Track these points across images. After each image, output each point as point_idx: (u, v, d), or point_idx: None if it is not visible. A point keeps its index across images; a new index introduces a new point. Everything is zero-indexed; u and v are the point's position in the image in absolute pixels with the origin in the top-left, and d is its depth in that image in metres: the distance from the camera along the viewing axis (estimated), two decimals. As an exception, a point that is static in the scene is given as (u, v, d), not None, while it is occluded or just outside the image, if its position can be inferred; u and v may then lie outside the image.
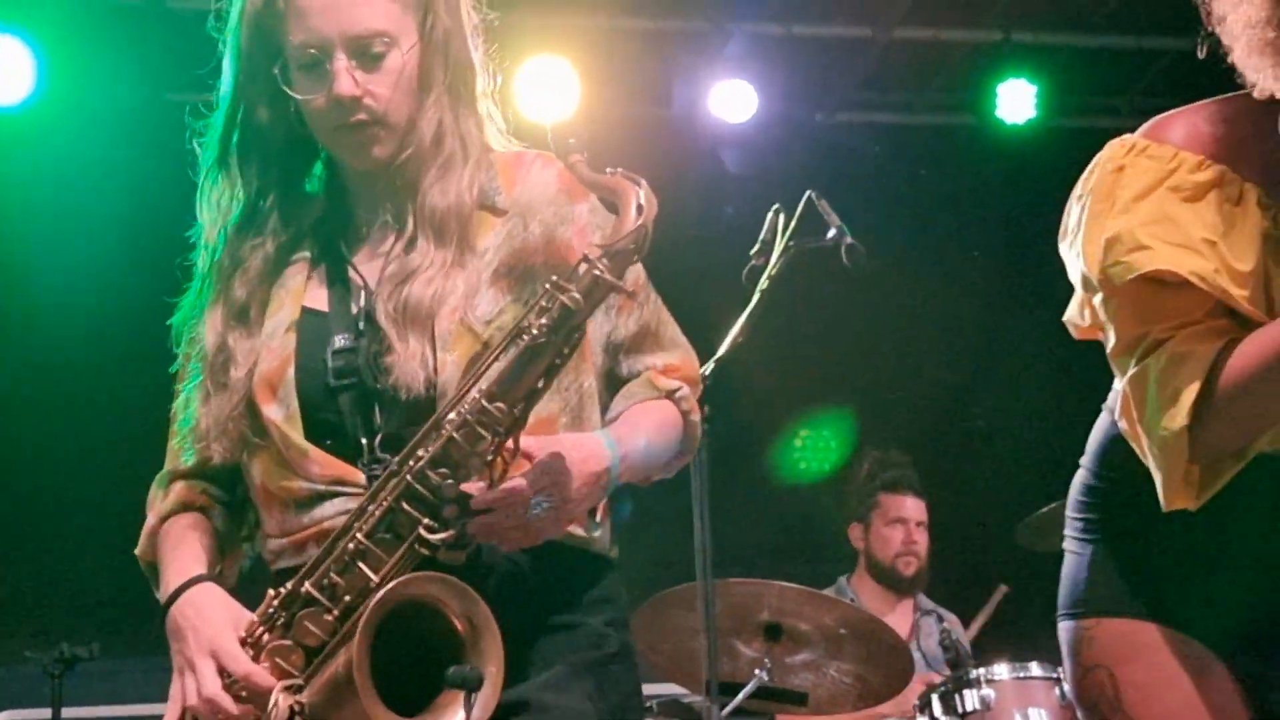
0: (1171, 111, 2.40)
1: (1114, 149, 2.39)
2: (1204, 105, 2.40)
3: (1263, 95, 2.33)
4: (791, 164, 7.58)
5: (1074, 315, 2.49)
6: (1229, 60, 2.38)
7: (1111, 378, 2.45)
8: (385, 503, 2.38)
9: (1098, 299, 2.38)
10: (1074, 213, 2.41)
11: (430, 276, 2.51)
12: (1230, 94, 2.39)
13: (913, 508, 6.32)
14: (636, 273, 2.63)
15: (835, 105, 8.23)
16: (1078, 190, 2.44)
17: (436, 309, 2.50)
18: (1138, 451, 2.36)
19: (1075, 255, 2.39)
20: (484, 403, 2.34)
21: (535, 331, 2.34)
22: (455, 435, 2.34)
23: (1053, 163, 8.07)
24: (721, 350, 4.69)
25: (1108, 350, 2.40)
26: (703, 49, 7.60)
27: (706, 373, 4.70)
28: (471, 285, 2.52)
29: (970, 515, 7.59)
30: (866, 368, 8.09)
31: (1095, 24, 7.90)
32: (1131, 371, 2.33)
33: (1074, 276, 2.45)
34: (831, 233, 4.84)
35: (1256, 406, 2.22)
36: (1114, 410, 2.43)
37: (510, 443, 2.35)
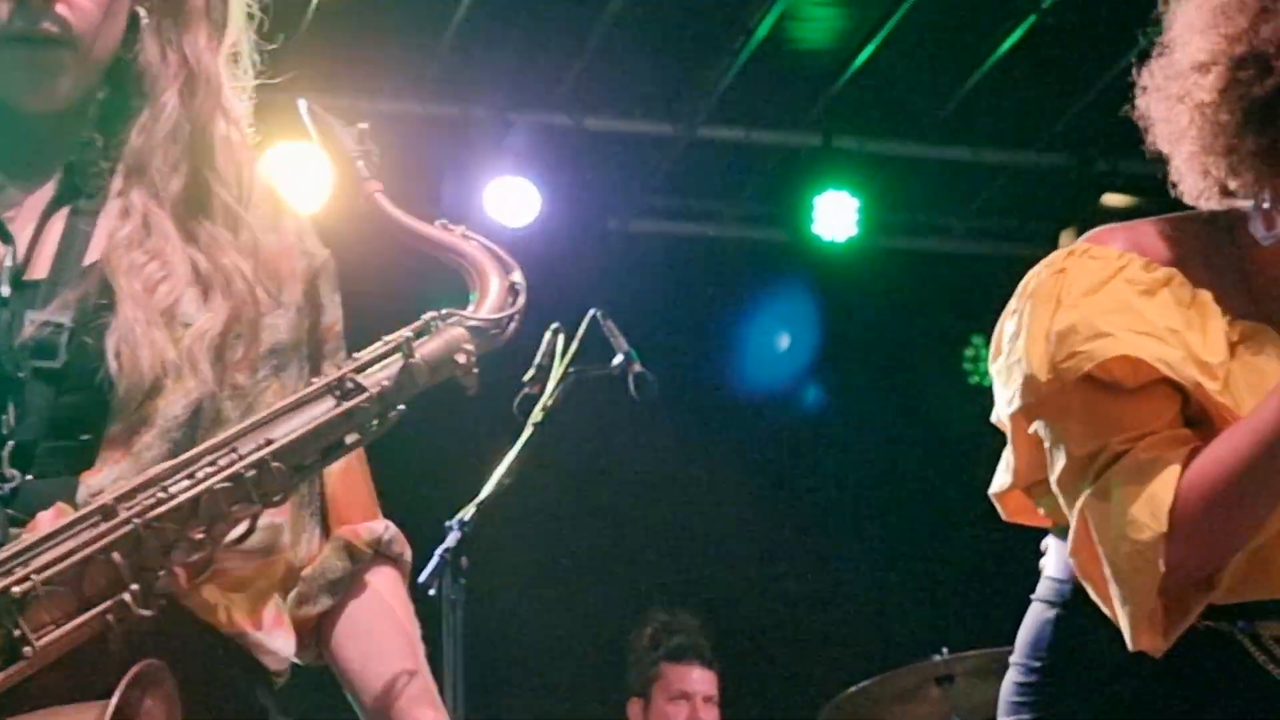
0: (1108, 225, 2.46)
1: (1051, 258, 2.43)
2: (1143, 221, 2.47)
3: (1209, 203, 2.41)
4: (576, 277, 7.52)
5: (1001, 483, 2.52)
6: (1171, 177, 2.43)
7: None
8: (82, 547, 2.08)
9: (1038, 424, 2.40)
10: (1009, 324, 2.44)
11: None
12: (1173, 215, 2.47)
13: (700, 680, 6.24)
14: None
15: (630, 211, 8.24)
16: (1012, 304, 2.46)
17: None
18: (1094, 594, 2.37)
19: (1015, 363, 2.41)
20: (270, 459, 2.12)
21: (369, 389, 2.14)
22: (219, 487, 2.10)
23: (876, 286, 8.33)
24: (485, 492, 4.64)
25: (1054, 479, 2.40)
26: (479, 140, 7.57)
27: (467, 518, 4.63)
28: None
29: (771, 692, 7.54)
30: (654, 514, 8.06)
31: (927, 132, 8.02)
32: (1086, 494, 2.34)
33: (1007, 401, 2.44)
34: (618, 359, 4.83)
35: (1229, 518, 2.27)
36: (1051, 589, 2.47)
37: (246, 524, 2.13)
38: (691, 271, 8.35)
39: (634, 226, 8.30)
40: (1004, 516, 2.57)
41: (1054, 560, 2.50)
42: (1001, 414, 2.48)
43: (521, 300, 2.25)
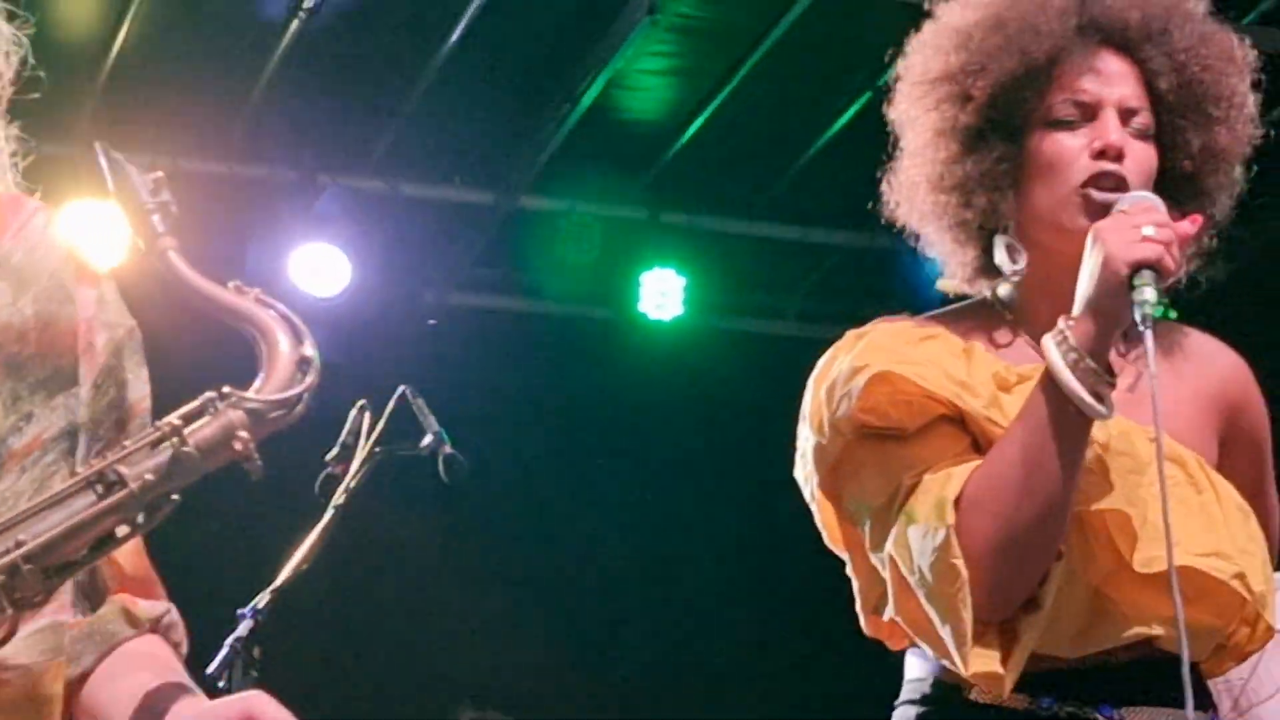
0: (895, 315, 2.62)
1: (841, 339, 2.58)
2: (922, 316, 2.63)
3: (976, 283, 2.60)
4: (387, 351, 7.50)
5: (864, 614, 2.59)
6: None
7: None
8: None
9: (847, 502, 2.49)
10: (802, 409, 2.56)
11: None
12: (958, 304, 2.64)
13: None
14: None
15: (446, 283, 8.20)
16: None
17: None
18: (926, 645, 2.42)
19: (804, 446, 2.55)
20: (20, 561, 2.06)
21: (130, 483, 2.08)
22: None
23: (702, 368, 8.36)
24: (281, 578, 4.56)
25: (870, 551, 2.47)
26: (287, 203, 7.51)
27: (261, 605, 4.56)
28: None
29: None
30: (463, 604, 8.00)
31: (758, 209, 8.09)
32: (890, 538, 2.42)
33: (810, 496, 2.55)
34: (428, 439, 4.81)
35: (1015, 506, 2.37)
36: (913, 689, 2.52)
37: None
38: (510, 348, 8.33)
39: (450, 299, 8.27)
40: (891, 647, 2.61)
41: (914, 664, 2.55)
42: (824, 528, 2.57)
43: (312, 377, 2.20)
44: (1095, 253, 2.34)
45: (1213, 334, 2.67)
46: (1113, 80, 2.49)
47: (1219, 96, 2.51)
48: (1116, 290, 2.32)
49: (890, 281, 8.05)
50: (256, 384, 2.17)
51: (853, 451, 2.47)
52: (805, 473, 2.56)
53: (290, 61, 6.96)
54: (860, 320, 2.61)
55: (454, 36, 6.91)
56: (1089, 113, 2.48)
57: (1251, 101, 2.54)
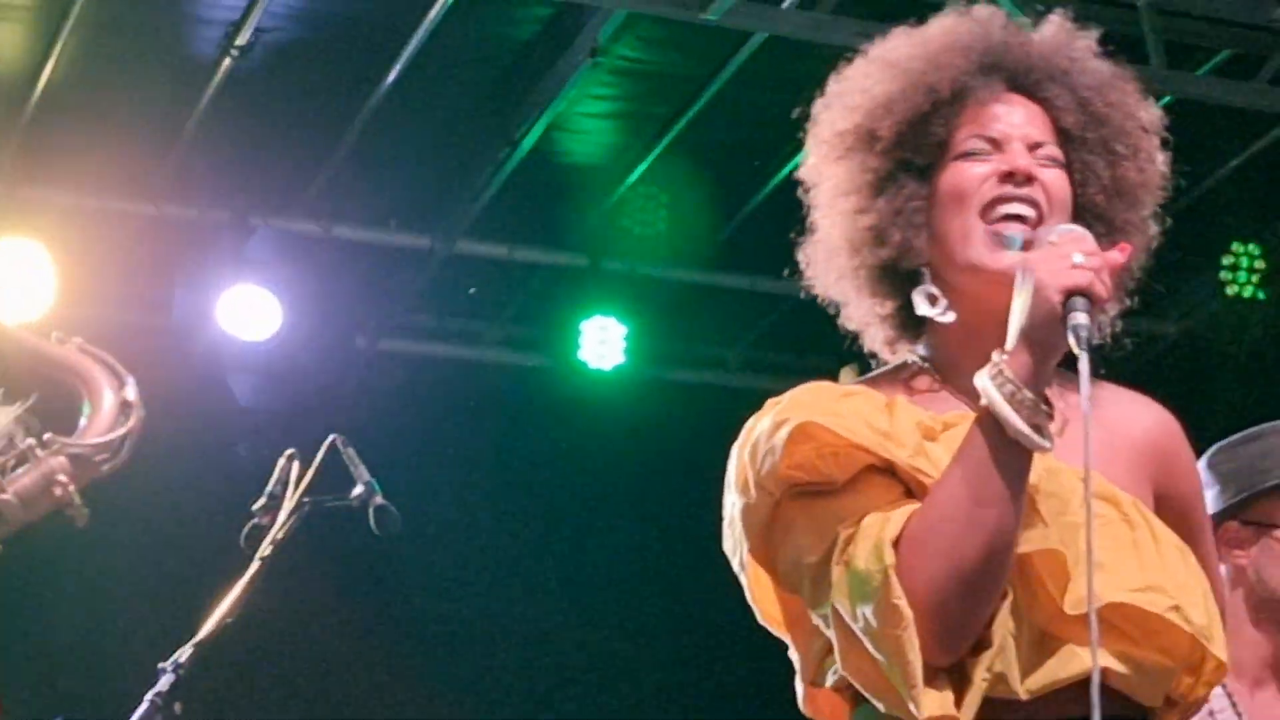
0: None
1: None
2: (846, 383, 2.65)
3: (899, 347, 2.63)
4: (318, 397, 7.47)
5: (800, 690, 2.57)
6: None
7: None
8: None
9: (780, 564, 2.48)
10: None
11: None
12: (870, 374, 2.67)
13: None
14: None
15: (380, 328, 8.18)
16: None
17: None
18: (879, 701, 2.41)
19: (731, 501, 2.54)
20: None
21: None
22: None
23: (644, 420, 8.34)
24: (204, 630, 4.51)
25: (812, 611, 2.47)
26: (217, 244, 7.48)
27: (183, 659, 4.51)
28: None
29: None
30: (398, 656, 7.94)
31: (701, 257, 8.09)
32: (834, 586, 2.41)
33: (739, 565, 2.55)
34: (358, 489, 4.76)
35: (953, 546, 2.37)
36: None
37: None
38: (445, 396, 8.31)
39: (384, 345, 8.23)
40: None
41: None
42: (756, 604, 2.57)
43: (135, 420, 2.23)
44: (1026, 283, 2.36)
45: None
46: (1018, 117, 2.54)
47: (1125, 134, 2.57)
48: (1050, 318, 2.34)
49: (837, 334, 8.07)
50: (79, 430, 2.19)
51: (782, 511, 2.47)
52: (733, 541, 2.56)
53: (222, 100, 6.93)
54: (805, 372, 2.62)
55: (392, 75, 6.90)
56: (996, 146, 2.52)
57: (1159, 150, 2.59)
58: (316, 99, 7.14)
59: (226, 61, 6.72)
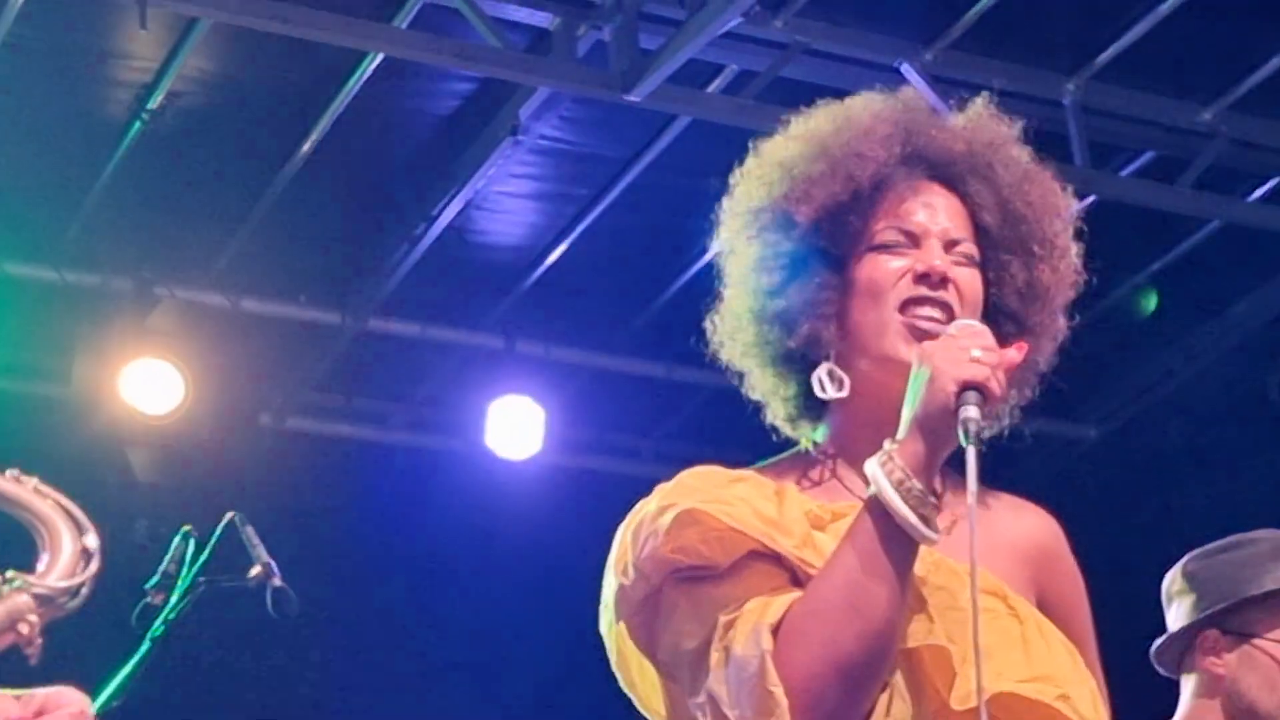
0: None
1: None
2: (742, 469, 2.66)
3: (799, 423, 2.67)
4: (218, 475, 7.42)
5: None
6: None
7: None
8: None
9: (663, 654, 2.48)
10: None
11: None
12: (767, 461, 2.68)
13: None
14: None
15: (286, 406, 8.15)
16: None
17: None
18: None
19: (608, 583, 2.54)
20: None
21: None
22: None
23: (554, 508, 8.32)
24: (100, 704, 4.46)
25: (688, 694, 2.45)
26: (119, 314, 7.43)
27: (66, 744, 4.46)
28: None
29: None
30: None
31: (618, 343, 8.10)
32: (711, 673, 2.41)
33: (614, 653, 2.55)
34: (256, 569, 4.75)
35: (834, 632, 2.37)
36: None
37: None
38: (351, 478, 8.27)
39: (289, 424, 8.20)
40: None
41: None
42: (631, 690, 2.58)
43: (94, 566, 2.27)
44: (922, 372, 2.39)
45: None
46: (937, 211, 2.57)
47: (1042, 235, 2.60)
48: (943, 410, 2.37)
49: (755, 426, 8.09)
50: (40, 570, 2.22)
51: (664, 596, 2.48)
52: (607, 624, 2.56)
53: (130, 164, 6.90)
54: (723, 465, 2.61)
55: (307, 146, 6.90)
56: (913, 240, 2.55)
57: (1074, 246, 2.63)
58: (228, 167, 7.12)
59: (137, 125, 6.69)
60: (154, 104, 6.59)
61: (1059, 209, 2.63)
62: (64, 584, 2.23)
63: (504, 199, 7.37)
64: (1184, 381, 8.20)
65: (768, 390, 2.67)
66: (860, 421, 2.56)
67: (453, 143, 6.96)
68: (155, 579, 4.80)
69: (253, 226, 7.35)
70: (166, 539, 4.96)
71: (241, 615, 4.91)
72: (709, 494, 2.49)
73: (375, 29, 6.20)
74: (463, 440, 8.12)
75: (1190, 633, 3.42)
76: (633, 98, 6.22)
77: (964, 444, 2.35)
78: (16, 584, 2.21)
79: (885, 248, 2.55)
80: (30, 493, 2.30)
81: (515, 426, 7.97)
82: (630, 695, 2.60)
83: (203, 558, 4.74)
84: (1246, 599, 3.38)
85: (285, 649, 7.29)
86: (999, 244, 2.58)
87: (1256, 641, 3.38)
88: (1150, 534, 3.44)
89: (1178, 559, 3.52)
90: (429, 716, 8.31)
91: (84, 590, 2.25)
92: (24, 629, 2.20)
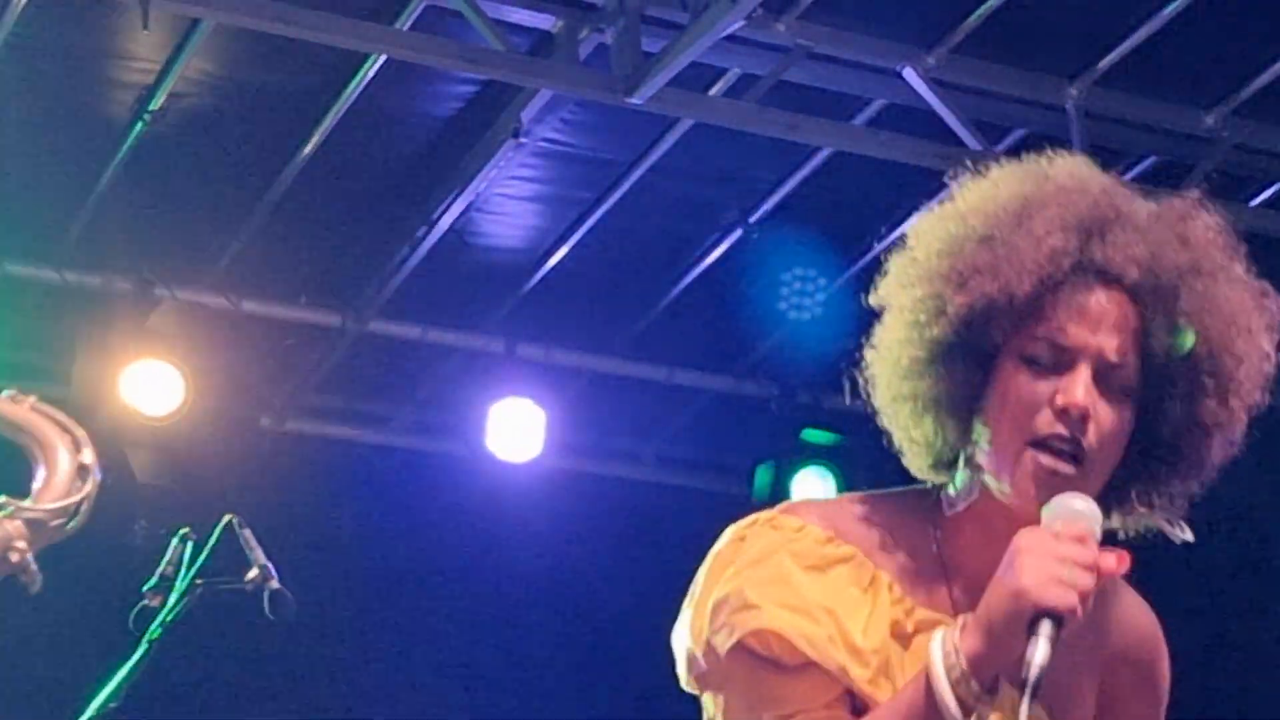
0: (805, 499, 2.65)
1: (736, 526, 2.51)
2: (846, 496, 2.56)
3: (925, 473, 2.49)
4: (217, 477, 7.42)
5: None
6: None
7: None
8: None
9: (707, 698, 2.47)
10: (693, 586, 2.51)
11: None
12: (878, 491, 2.56)
13: None
14: None
15: (286, 408, 8.14)
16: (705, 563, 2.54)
17: None
18: None
19: (682, 633, 2.49)
20: None
21: None
22: None
23: (555, 512, 8.32)
24: (87, 715, 4.48)
25: None
26: (120, 315, 7.44)
27: (63, 745, 4.48)
28: None
29: None
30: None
31: (619, 346, 8.10)
32: None
33: (682, 671, 2.51)
34: (253, 572, 4.76)
35: None
36: None
37: None
38: (350, 481, 8.26)
39: (289, 426, 8.20)
40: None
41: None
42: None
43: (91, 484, 2.22)
44: (1011, 572, 2.27)
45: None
46: (1100, 327, 2.36)
47: (1217, 371, 2.39)
48: (1017, 627, 2.26)
49: (757, 431, 8.09)
50: (34, 493, 2.17)
51: (726, 666, 2.42)
52: (677, 650, 2.50)
53: (132, 165, 6.91)
54: (719, 471, 2.59)
55: (309, 148, 6.90)
56: (1066, 358, 2.36)
57: (1263, 367, 2.41)
58: (230, 169, 7.12)
59: (139, 126, 6.69)
60: (156, 105, 6.59)
61: (1253, 330, 2.40)
62: (58, 505, 2.19)
63: (505, 201, 7.36)
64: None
65: (904, 445, 2.49)
66: (976, 529, 2.44)
67: (454, 145, 6.96)
68: (153, 581, 4.80)
69: (254, 228, 7.35)
70: (165, 541, 4.96)
71: (239, 618, 4.91)
72: (796, 596, 2.39)
73: (377, 31, 6.20)
74: (463, 443, 8.10)
75: None
76: (635, 101, 6.21)
77: (1024, 694, 2.23)
78: (7, 510, 2.18)
79: (1032, 363, 2.38)
80: (27, 411, 2.27)
81: (516, 429, 7.96)
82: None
83: (201, 560, 4.74)
84: None
85: (282, 651, 7.28)
86: (1164, 372, 2.39)
87: None
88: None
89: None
90: (428, 718, 8.31)
91: (81, 509, 2.21)
92: (14, 557, 2.16)
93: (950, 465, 2.47)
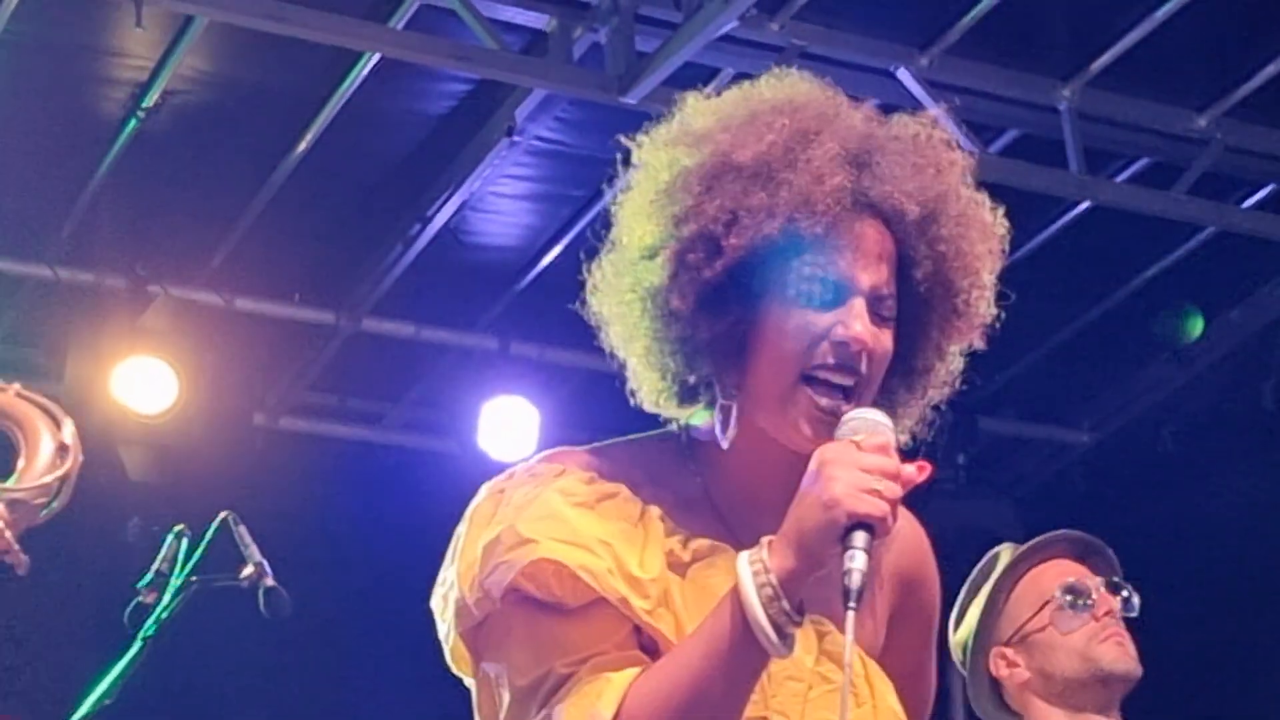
0: (565, 448, 2.56)
1: (495, 479, 2.52)
2: (604, 444, 2.57)
3: (668, 407, 2.51)
4: (211, 475, 7.42)
5: None
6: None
7: None
8: None
9: (481, 674, 2.43)
10: (452, 545, 2.48)
11: None
12: (633, 436, 2.58)
13: None
14: None
15: (279, 406, 8.15)
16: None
17: None
18: None
19: (447, 591, 2.45)
20: None
21: None
22: None
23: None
24: (81, 713, 4.49)
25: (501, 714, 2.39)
26: (112, 312, 7.43)
27: (57, 742, 4.49)
28: None
29: None
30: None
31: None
32: None
33: (445, 638, 2.47)
34: (248, 569, 4.76)
35: None
36: None
37: None
38: (343, 479, 8.27)
39: (282, 423, 8.20)
40: None
41: None
42: (452, 662, 2.50)
43: (72, 462, 2.23)
44: (818, 486, 2.24)
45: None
46: (870, 263, 2.36)
47: (969, 288, 2.41)
48: (830, 537, 2.22)
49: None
50: (16, 474, 2.19)
51: (504, 617, 2.39)
52: (441, 612, 2.47)
53: (125, 162, 6.91)
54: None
55: (303, 146, 6.91)
56: (841, 292, 2.35)
57: (991, 288, 2.44)
58: (223, 166, 7.12)
59: (132, 123, 6.70)
60: (149, 102, 6.60)
61: (991, 250, 2.43)
62: (39, 483, 2.20)
63: (499, 200, 7.37)
64: (1178, 387, 8.21)
65: (645, 382, 2.51)
66: (743, 463, 2.42)
67: (448, 143, 6.97)
68: (147, 578, 4.80)
69: (247, 226, 7.35)
70: (159, 538, 4.96)
71: (234, 615, 4.92)
72: (570, 528, 2.37)
73: (371, 29, 6.21)
74: (456, 441, 8.11)
75: None
76: (629, 100, 6.23)
77: (846, 605, 2.21)
78: None
79: (805, 298, 2.35)
80: (11, 397, 2.28)
81: (509, 428, 7.96)
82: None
83: (195, 557, 4.74)
84: None
85: (277, 649, 7.29)
86: (923, 300, 2.41)
87: None
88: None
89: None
90: (422, 717, 8.32)
91: (62, 489, 2.23)
92: None
93: (692, 400, 2.47)
